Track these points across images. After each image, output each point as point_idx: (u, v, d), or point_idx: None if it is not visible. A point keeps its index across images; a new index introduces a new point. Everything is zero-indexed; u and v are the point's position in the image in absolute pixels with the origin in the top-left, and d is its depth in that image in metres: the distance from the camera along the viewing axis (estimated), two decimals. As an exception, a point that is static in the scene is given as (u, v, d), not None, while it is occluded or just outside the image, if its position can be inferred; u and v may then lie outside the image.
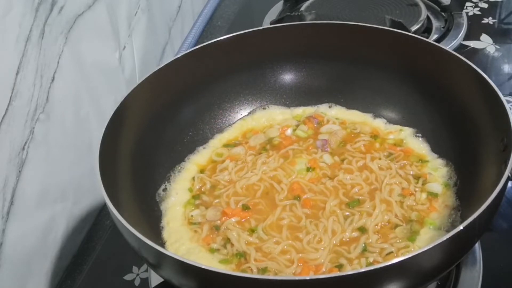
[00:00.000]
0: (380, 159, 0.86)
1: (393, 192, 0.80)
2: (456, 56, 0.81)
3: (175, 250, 0.77)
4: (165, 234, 0.80)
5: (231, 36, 0.93)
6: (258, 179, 0.85)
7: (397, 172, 0.84)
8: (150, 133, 0.86)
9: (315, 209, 0.80)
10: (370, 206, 0.79)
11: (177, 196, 0.85)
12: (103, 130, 0.74)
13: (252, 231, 0.78)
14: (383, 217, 0.77)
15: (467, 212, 0.73)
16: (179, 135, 0.91)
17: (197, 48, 0.91)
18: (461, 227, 0.58)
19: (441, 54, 0.84)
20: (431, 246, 0.56)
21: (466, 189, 0.78)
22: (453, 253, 0.62)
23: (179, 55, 0.90)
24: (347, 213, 0.78)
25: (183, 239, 0.79)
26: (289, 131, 0.93)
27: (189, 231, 0.80)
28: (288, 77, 0.98)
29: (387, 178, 0.82)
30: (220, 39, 0.93)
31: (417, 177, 0.83)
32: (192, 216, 0.82)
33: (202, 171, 0.89)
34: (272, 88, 0.98)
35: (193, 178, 0.88)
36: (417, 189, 0.81)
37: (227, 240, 0.77)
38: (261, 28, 0.98)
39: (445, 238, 0.57)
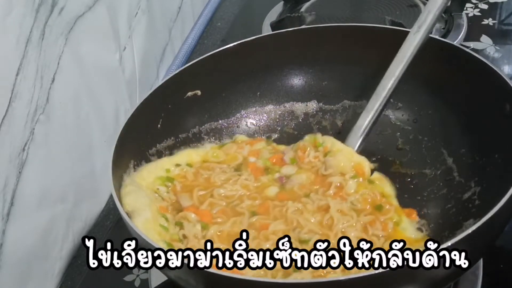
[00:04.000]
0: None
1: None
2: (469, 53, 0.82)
3: (135, 192, 0.76)
4: (129, 179, 0.79)
5: (238, 43, 0.93)
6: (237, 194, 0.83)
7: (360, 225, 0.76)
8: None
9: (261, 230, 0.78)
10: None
11: (153, 169, 0.85)
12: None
13: (204, 227, 0.78)
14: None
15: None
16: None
17: (203, 58, 0.92)
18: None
19: (450, 50, 0.85)
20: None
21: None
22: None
23: (185, 66, 0.91)
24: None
25: (144, 192, 0.79)
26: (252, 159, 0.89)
27: (150, 192, 0.80)
28: (299, 82, 0.98)
29: (344, 224, 0.75)
30: (228, 47, 0.93)
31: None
32: (158, 189, 0.82)
33: (190, 165, 0.89)
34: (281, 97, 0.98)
35: (177, 165, 0.87)
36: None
37: (179, 224, 0.78)
38: (272, 33, 0.99)
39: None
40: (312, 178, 0.84)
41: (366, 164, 0.84)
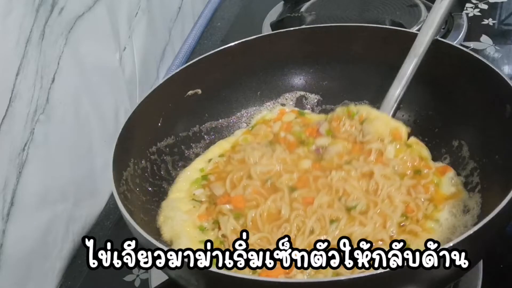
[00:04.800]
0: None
1: (395, 210, 0.74)
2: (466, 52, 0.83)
3: (170, 218, 0.78)
4: (165, 203, 0.81)
5: (239, 43, 0.93)
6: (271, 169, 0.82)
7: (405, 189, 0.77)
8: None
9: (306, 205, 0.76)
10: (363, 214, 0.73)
11: (188, 174, 0.87)
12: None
13: (239, 216, 0.76)
14: (374, 234, 0.71)
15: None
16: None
17: (203, 57, 0.92)
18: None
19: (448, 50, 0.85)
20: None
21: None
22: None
23: (185, 65, 0.91)
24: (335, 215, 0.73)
25: (180, 210, 0.79)
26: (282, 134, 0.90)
27: (188, 204, 0.81)
28: (299, 81, 0.98)
29: (390, 188, 0.76)
30: (228, 46, 0.93)
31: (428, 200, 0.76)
32: (194, 194, 0.83)
33: (222, 155, 0.89)
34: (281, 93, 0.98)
35: (209, 160, 0.88)
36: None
37: (217, 223, 0.77)
38: (272, 33, 0.99)
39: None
40: (348, 147, 0.84)
41: (403, 129, 0.84)
